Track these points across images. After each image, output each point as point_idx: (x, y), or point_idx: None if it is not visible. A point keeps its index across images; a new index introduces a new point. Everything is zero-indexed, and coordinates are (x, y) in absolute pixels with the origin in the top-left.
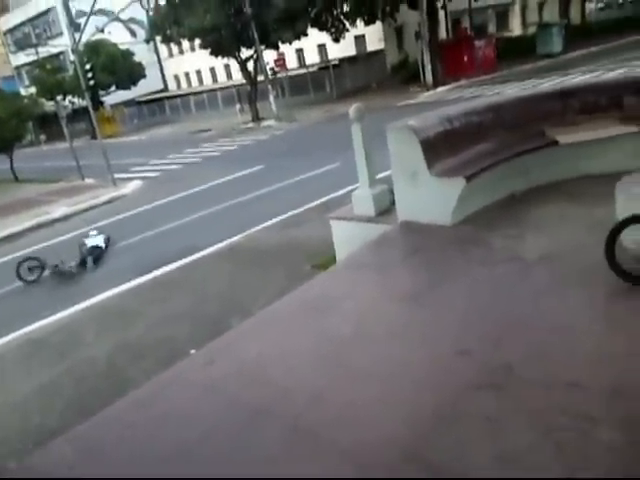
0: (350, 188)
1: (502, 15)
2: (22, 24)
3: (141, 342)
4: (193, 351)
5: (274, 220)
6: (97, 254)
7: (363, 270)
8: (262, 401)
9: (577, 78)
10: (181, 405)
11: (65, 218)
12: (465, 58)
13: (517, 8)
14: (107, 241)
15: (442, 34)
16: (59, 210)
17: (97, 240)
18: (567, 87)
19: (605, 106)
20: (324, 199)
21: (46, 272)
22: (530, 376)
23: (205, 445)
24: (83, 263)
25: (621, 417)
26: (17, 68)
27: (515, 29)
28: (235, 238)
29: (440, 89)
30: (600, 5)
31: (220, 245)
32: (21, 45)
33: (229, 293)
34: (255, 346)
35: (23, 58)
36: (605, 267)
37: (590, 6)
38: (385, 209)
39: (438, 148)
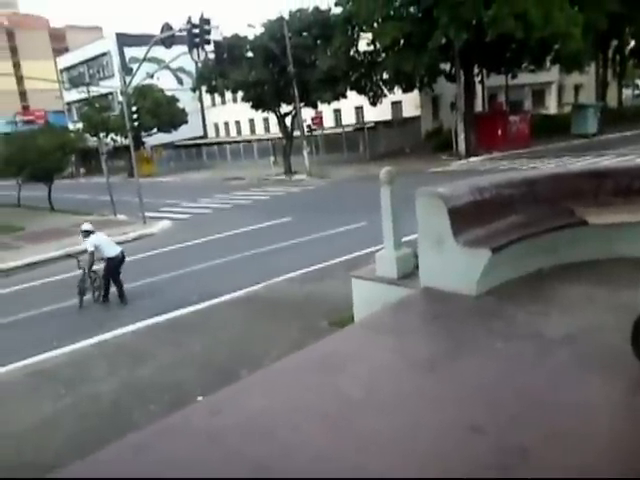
0: (375, 248)
1: (538, 93)
2: (78, 64)
3: (149, 383)
4: (200, 398)
5: (296, 273)
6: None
7: (380, 332)
8: (264, 456)
9: (611, 160)
10: (182, 452)
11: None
12: (499, 131)
13: (554, 88)
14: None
15: (478, 107)
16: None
17: (115, 247)
18: (601, 168)
19: (638, 190)
20: (348, 257)
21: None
22: (544, 460)
23: None
24: (106, 294)
25: None
26: (68, 104)
27: (551, 107)
28: (255, 287)
29: (472, 159)
30: (636, 92)
31: (239, 293)
32: (74, 83)
33: (242, 342)
34: (262, 399)
35: (75, 95)
36: (629, 353)
37: (627, 92)
38: (408, 273)
39: (466, 217)
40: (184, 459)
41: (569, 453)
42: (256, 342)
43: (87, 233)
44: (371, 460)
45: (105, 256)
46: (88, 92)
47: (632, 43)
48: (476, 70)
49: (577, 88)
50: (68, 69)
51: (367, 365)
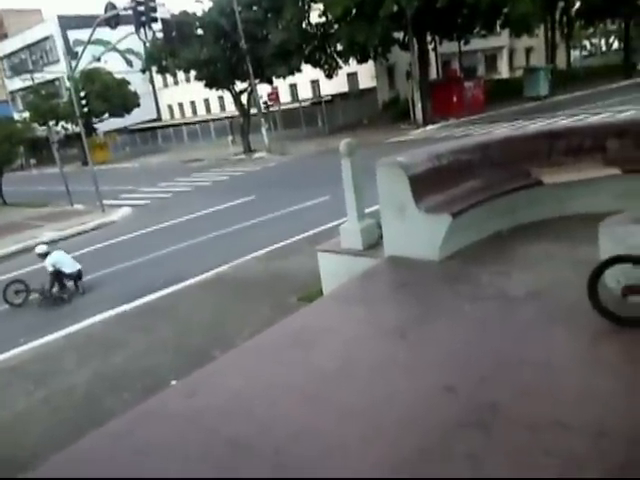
0: (339, 221)
1: (491, 58)
2: (19, 50)
3: (122, 371)
4: (174, 382)
5: (262, 251)
6: (80, 275)
7: (349, 303)
8: (243, 435)
9: (562, 121)
10: (160, 437)
11: (52, 243)
12: (454, 98)
13: (505, 52)
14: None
15: (433, 74)
16: (45, 235)
17: (75, 265)
18: (553, 129)
19: (589, 149)
20: (313, 231)
21: (32, 296)
22: (515, 415)
23: (184, 478)
24: (63, 286)
25: (605, 457)
26: (12, 93)
27: (503, 72)
28: (222, 268)
29: (429, 127)
30: (584, 53)
31: (206, 275)
32: (17, 70)
33: (213, 323)
34: (237, 378)
35: (18, 83)
36: (589, 306)
37: (575, 53)
38: (373, 243)
39: (426, 184)
40: (163, 443)
41: (538, 407)
42: (227, 322)
43: (44, 255)
44: (349, 431)
45: (63, 271)
46: (32, 79)
47: (577, 4)
48: (429, 38)
49: (528, 51)
50: (9, 56)
51: (339, 337)
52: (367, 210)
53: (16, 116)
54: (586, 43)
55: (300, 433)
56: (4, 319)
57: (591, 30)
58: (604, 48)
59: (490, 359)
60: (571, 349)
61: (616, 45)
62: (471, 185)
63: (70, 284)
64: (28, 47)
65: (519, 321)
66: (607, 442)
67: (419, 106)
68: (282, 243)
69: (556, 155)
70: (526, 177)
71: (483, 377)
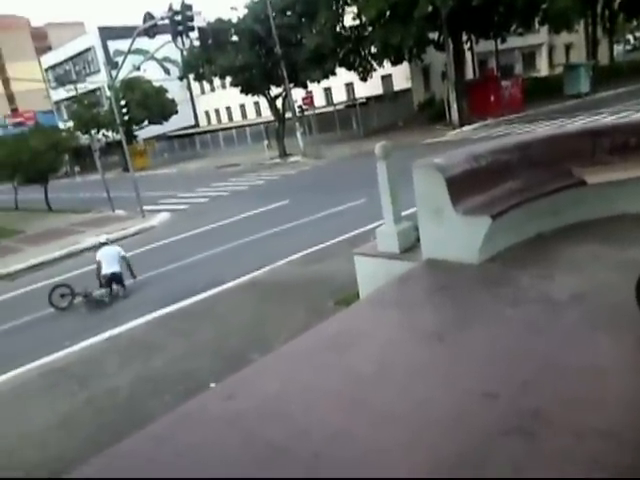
0: (375, 224)
1: (529, 56)
2: (63, 62)
3: (163, 374)
4: (213, 385)
5: (298, 255)
6: (118, 279)
7: (386, 307)
8: (281, 438)
9: (606, 118)
10: (200, 439)
11: (94, 248)
12: (491, 98)
13: (544, 49)
14: (126, 260)
15: (469, 74)
16: (88, 240)
17: (112, 264)
18: (596, 127)
19: (635, 146)
20: (349, 235)
21: (77, 300)
22: (559, 422)
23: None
24: (111, 291)
25: None
26: (56, 103)
27: (542, 70)
28: (259, 272)
29: (466, 128)
30: (628, 47)
31: (244, 279)
32: (61, 81)
33: (251, 327)
34: (275, 382)
35: (62, 94)
36: (637, 310)
37: (618, 48)
38: (410, 246)
39: (464, 186)
40: (203, 445)
41: (583, 414)
42: (264, 326)
43: (100, 245)
44: (386, 435)
45: (100, 268)
46: (75, 89)
47: None
48: (465, 37)
49: (567, 48)
50: (53, 67)
51: (376, 341)
52: (404, 213)
53: (61, 125)
54: (629, 37)
55: (337, 437)
56: (50, 322)
57: (635, 23)
58: None
59: (532, 364)
60: (617, 354)
61: None
62: (511, 186)
63: (115, 287)
64: (71, 58)
65: (563, 325)
66: None
67: (455, 107)
68: (318, 247)
69: (600, 154)
70: (568, 177)
71: (525, 382)
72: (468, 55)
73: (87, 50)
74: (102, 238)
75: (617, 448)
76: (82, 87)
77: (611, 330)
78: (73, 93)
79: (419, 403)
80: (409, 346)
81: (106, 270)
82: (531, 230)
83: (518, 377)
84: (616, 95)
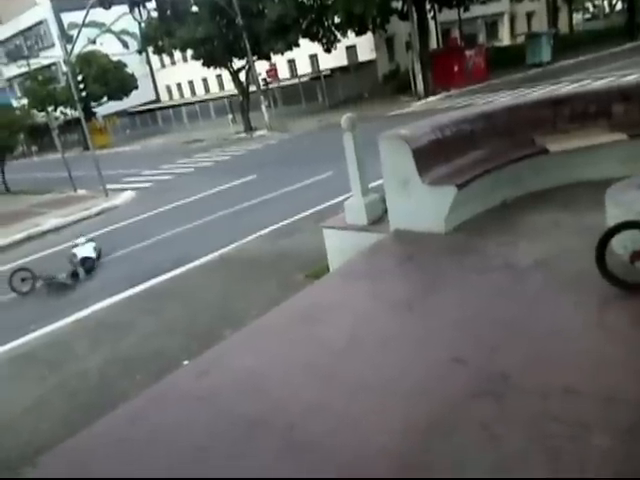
0: (343, 197)
1: (492, 25)
2: (14, 36)
3: (134, 354)
4: (186, 362)
5: (267, 230)
6: (89, 265)
7: (356, 279)
8: (257, 412)
9: (566, 87)
10: (174, 417)
11: (56, 229)
12: (455, 68)
13: (506, 18)
14: (98, 250)
15: (433, 44)
16: (50, 222)
17: (87, 250)
18: (557, 96)
19: (594, 114)
20: (317, 208)
21: (39, 283)
22: (526, 383)
23: (200, 457)
24: (75, 274)
25: (615, 423)
26: (9, 80)
27: (505, 39)
28: (227, 248)
29: (431, 98)
30: (587, 16)
31: (212, 256)
32: (13, 57)
33: (222, 304)
34: (248, 357)
35: (15, 70)
36: (597, 273)
37: (577, 17)
38: (378, 218)
39: (430, 156)
40: (177, 423)
41: (549, 375)
42: (235, 302)
43: (75, 246)
44: (359, 405)
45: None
46: (28, 65)
47: None
48: (428, 6)
49: (529, 17)
50: (3, 42)
51: (347, 312)
52: (371, 185)
53: (14, 103)
54: (589, 5)
55: (311, 408)
56: (14, 307)
57: None
58: (607, 10)
59: (499, 329)
60: (580, 316)
61: (619, 6)
62: (475, 156)
63: (79, 270)
64: (22, 32)
65: (527, 291)
66: (616, 406)
67: (420, 77)
68: (287, 221)
69: (561, 122)
70: (531, 145)
71: (493, 347)
72: (432, 25)
73: (39, 23)
74: (80, 240)
75: (579, 404)
76: (36, 62)
77: (574, 293)
78: (26, 69)
79: (391, 372)
80: (379, 316)
81: (80, 254)
82: (496, 199)
83: (486, 342)
84: (577, 63)
